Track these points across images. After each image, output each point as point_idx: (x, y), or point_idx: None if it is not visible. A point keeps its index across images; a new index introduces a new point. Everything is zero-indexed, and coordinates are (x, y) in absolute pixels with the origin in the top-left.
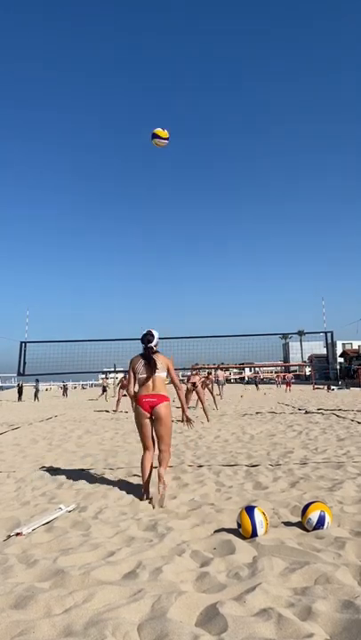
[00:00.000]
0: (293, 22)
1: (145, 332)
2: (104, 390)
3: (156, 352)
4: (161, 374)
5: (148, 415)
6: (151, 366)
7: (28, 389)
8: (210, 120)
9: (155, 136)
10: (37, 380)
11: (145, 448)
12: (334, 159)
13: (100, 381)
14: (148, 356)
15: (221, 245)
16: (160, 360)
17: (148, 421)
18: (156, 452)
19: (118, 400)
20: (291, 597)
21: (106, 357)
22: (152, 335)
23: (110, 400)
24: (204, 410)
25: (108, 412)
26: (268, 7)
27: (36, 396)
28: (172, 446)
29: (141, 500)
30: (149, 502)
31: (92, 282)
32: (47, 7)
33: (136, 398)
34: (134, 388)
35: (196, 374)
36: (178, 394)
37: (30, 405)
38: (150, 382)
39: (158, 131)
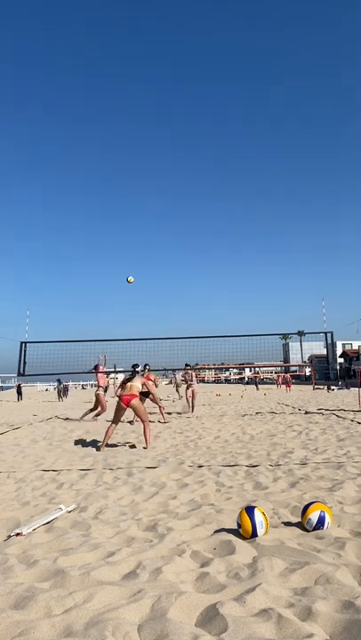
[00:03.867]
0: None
1: (134, 364)
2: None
3: (138, 374)
4: (137, 384)
5: (125, 406)
6: (132, 380)
7: (28, 389)
8: (208, 110)
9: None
10: (59, 380)
11: (114, 422)
12: (334, 160)
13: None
14: (133, 375)
15: (222, 245)
16: (138, 378)
17: (123, 410)
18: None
19: (101, 406)
20: (291, 598)
21: (106, 357)
22: (138, 365)
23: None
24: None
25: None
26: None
27: (59, 395)
28: (172, 446)
29: (98, 450)
30: (130, 447)
31: (92, 282)
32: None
33: (119, 396)
34: (119, 392)
35: (146, 376)
36: (152, 394)
37: (38, 405)
38: (129, 388)
39: (130, 278)
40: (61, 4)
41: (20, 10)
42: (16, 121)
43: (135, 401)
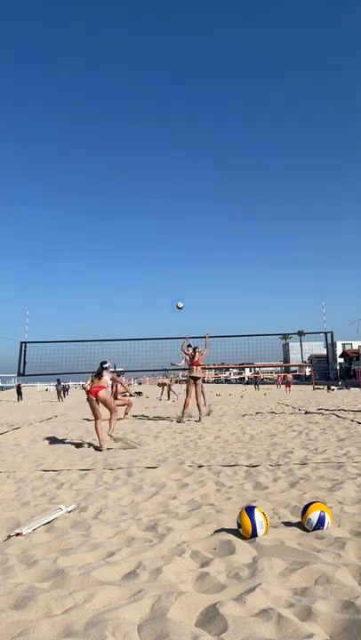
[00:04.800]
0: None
1: (102, 361)
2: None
3: (105, 370)
4: (105, 378)
5: (94, 398)
6: (99, 375)
7: (28, 389)
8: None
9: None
10: (59, 380)
11: (95, 418)
12: (334, 160)
13: (162, 379)
14: (100, 372)
15: (222, 245)
16: (107, 374)
17: (94, 402)
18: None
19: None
20: (291, 598)
21: (106, 357)
22: (106, 362)
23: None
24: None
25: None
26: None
27: (59, 395)
28: (172, 446)
29: (97, 449)
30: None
31: (92, 282)
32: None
33: (89, 390)
34: (89, 385)
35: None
36: (124, 388)
37: (38, 405)
38: (96, 382)
39: (179, 305)
40: (61, 4)
41: (20, 10)
42: (16, 121)
43: (102, 392)
